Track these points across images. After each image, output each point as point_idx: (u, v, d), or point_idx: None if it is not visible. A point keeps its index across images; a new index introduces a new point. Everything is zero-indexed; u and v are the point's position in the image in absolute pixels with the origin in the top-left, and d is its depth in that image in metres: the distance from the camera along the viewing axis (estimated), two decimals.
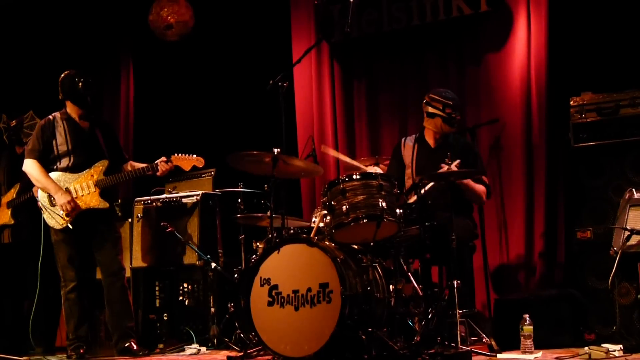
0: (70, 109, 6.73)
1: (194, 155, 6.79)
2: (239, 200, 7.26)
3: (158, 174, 6.68)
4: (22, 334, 7.36)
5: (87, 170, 6.63)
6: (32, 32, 9.29)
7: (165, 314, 7.45)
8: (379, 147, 8.15)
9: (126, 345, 6.57)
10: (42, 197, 6.61)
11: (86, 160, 6.65)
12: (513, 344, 5.53)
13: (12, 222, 7.38)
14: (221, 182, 7.77)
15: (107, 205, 6.63)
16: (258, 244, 6.71)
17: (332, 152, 7.30)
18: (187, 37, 8.98)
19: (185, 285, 7.48)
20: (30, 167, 6.60)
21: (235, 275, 6.89)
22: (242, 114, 8.76)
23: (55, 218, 6.52)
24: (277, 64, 7.92)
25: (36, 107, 7.75)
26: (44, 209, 6.58)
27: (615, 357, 5.05)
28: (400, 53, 8.21)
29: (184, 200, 7.49)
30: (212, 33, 9.08)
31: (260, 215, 6.89)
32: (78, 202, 6.53)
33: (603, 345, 5.17)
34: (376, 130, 8.28)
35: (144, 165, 6.75)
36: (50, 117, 6.71)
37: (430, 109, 6.52)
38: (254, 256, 6.61)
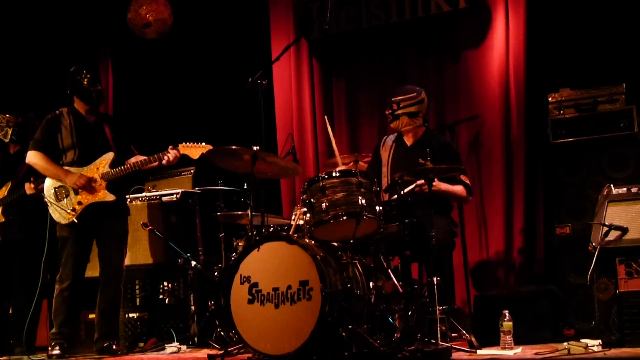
0: (77, 104, 6.71)
1: (203, 143, 6.64)
2: (219, 198, 7.25)
3: (163, 163, 6.57)
4: (2, 334, 7.35)
5: (93, 163, 6.58)
6: (7, 31, 9.20)
7: (145, 313, 7.43)
8: (359, 144, 8.17)
9: (105, 344, 6.53)
10: (47, 193, 6.56)
11: (92, 153, 6.61)
12: (493, 340, 5.54)
13: (3, 219, 7.32)
14: (201, 180, 7.75)
15: (114, 197, 6.57)
16: (238, 242, 6.70)
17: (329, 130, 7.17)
18: (165, 35, 8.96)
19: (165, 283, 7.46)
20: (35, 157, 6.57)
21: (216, 274, 6.87)
22: (222, 112, 8.74)
23: (61, 213, 6.49)
24: (256, 61, 7.90)
25: (14, 105, 7.69)
26: (49, 204, 6.53)
27: (594, 352, 5.06)
28: (379, 50, 8.23)
29: (164, 198, 7.47)
30: (191, 31, 9.06)
31: (240, 213, 6.88)
32: (84, 196, 6.51)
33: (582, 340, 5.18)
34: (355, 128, 8.29)
35: (147, 157, 6.69)
36: (57, 111, 6.70)
37: (387, 114, 6.68)
38: (234, 254, 6.60)
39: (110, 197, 6.57)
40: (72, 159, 6.59)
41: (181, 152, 6.59)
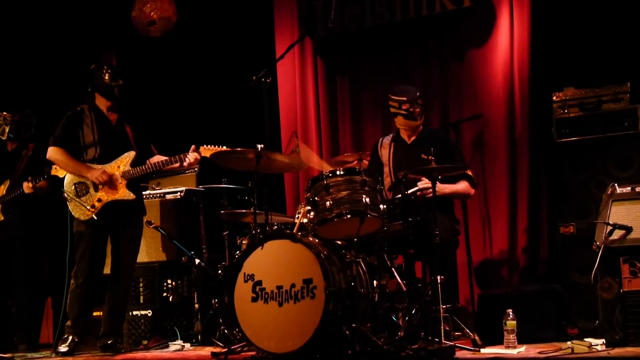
0: (99, 101, 6.69)
1: (224, 147, 6.53)
2: (223, 196, 7.24)
3: (185, 164, 6.55)
4: (6, 332, 7.36)
5: (114, 161, 6.56)
6: (10, 29, 9.19)
7: (149, 310, 7.43)
8: (362, 142, 8.16)
9: (109, 342, 6.52)
10: (68, 189, 6.53)
11: (113, 151, 6.58)
12: (496, 339, 5.53)
13: (2, 218, 7.32)
14: (205, 178, 7.75)
15: (134, 196, 6.54)
16: (242, 240, 6.69)
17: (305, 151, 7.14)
18: (170, 33, 8.95)
19: (169, 281, 7.47)
20: (55, 153, 6.53)
21: (219, 272, 6.88)
22: (226, 110, 8.74)
23: (81, 209, 6.47)
24: (261, 59, 7.90)
25: (11, 103, 7.69)
26: (69, 200, 6.50)
27: (598, 351, 5.06)
28: (383, 49, 8.22)
29: (168, 196, 7.47)
30: (195, 29, 9.05)
31: (244, 211, 6.87)
32: (103, 193, 6.50)
33: (586, 339, 5.17)
34: (359, 126, 8.29)
35: (169, 157, 6.64)
36: (78, 108, 6.67)
37: (391, 109, 6.63)
38: (237, 252, 6.60)
39: (131, 196, 6.54)
40: (93, 156, 6.56)
41: (202, 154, 6.53)
